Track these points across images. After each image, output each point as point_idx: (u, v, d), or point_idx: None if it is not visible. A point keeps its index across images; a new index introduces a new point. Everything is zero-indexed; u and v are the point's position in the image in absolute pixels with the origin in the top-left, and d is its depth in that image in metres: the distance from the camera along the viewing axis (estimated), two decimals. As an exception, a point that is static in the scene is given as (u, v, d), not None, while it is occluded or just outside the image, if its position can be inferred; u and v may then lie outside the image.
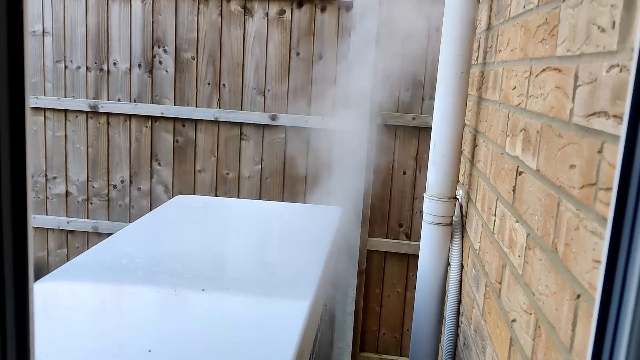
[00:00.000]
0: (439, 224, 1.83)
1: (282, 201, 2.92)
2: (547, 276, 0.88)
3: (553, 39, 0.96)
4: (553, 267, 0.86)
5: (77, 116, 3.02)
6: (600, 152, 0.70)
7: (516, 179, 1.16)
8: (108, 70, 2.97)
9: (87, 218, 3.11)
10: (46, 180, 3.11)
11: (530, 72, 1.11)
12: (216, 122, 2.92)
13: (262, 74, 2.86)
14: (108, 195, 3.07)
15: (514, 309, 1.08)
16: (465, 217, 1.84)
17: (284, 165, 2.92)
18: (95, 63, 2.97)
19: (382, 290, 2.94)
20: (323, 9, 2.77)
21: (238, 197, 2.96)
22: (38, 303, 1.21)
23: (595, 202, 0.70)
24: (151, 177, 3.02)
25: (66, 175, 3.09)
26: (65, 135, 3.05)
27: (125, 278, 1.45)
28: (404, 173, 2.82)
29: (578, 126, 0.79)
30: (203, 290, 1.36)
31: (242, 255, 1.71)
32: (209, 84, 2.90)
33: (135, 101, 2.97)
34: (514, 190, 1.17)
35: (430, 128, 1.91)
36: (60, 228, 3.12)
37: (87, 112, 3.01)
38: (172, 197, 2.97)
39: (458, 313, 1.83)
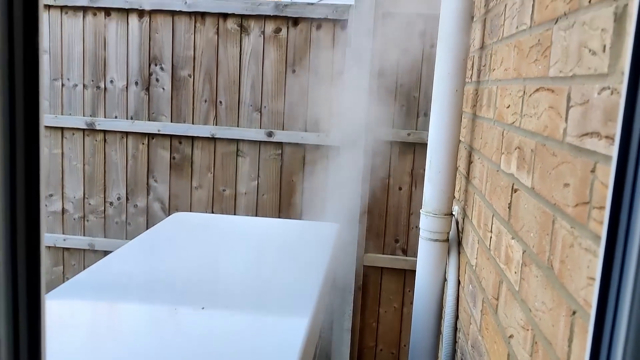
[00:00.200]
0: (436, 240, 1.84)
1: (279, 217, 2.93)
2: (544, 292, 0.89)
3: (546, 60, 0.99)
4: (549, 283, 0.87)
5: (73, 134, 3.03)
6: (593, 171, 0.72)
7: (511, 196, 1.17)
8: (105, 88, 2.98)
9: (84, 235, 3.11)
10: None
11: (524, 92, 1.13)
12: (213, 139, 2.94)
13: (259, 91, 2.89)
14: (104, 212, 3.07)
15: (511, 324, 1.09)
16: (462, 233, 1.85)
17: (281, 181, 2.93)
18: (92, 81, 2.99)
19: (379, 305, 2.94)
20: (318, 27, 2.80)
21: (234, 214, 2.97)
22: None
23: (589, 221, 0.71)
24: (147, 194, 3.03)
25: (62, 193, 3.09)
26: (62, 153, 3.05)
27: (125, 296, 1.46)
28: (400, 189, 2.84)
29: (571, 146, 0.81)
30: (203, 308, 1.37)
31: (240, 273, 1.72)
32: (205, 101, 2.92)
33: (132, 118, 2.98)
34: (509, 207, 1.19)
35: (426, 144, 1.93)
36: (57, 245, 3.11)
37: (83, 129, 3.02)
38: (169, 214, 2.97)
39: (455, 329, 1.84)
